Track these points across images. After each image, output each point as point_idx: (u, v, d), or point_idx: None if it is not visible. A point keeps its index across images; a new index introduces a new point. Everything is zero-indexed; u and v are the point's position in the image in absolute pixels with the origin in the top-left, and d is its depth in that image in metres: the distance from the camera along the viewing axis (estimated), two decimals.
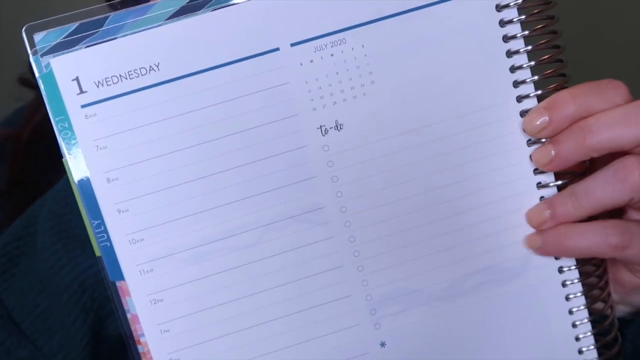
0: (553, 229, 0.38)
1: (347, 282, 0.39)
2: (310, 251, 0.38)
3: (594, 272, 0.40)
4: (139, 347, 0.38)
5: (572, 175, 0.39)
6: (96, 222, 0.37)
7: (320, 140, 0.38)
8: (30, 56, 0.35)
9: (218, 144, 0.37)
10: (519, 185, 0.39)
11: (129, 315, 0.38)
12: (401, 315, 0.39)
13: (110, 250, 0.37)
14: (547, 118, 0.36)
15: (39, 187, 0.39)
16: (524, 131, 0.38)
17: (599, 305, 0.41)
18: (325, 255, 0.38)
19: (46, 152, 0.53)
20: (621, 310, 0.43)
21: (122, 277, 0.37)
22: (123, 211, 0.37)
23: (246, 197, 0.37)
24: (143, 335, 0.38)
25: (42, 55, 0.35)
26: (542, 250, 0.38)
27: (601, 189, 0.37)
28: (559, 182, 0.39)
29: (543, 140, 0.38)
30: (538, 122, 0.37)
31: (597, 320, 0.41)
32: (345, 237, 0.38)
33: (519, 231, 0.39)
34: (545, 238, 0.38)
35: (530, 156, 0.38)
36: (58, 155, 0.52)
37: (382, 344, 0.39)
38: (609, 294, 0.41)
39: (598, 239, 0.37)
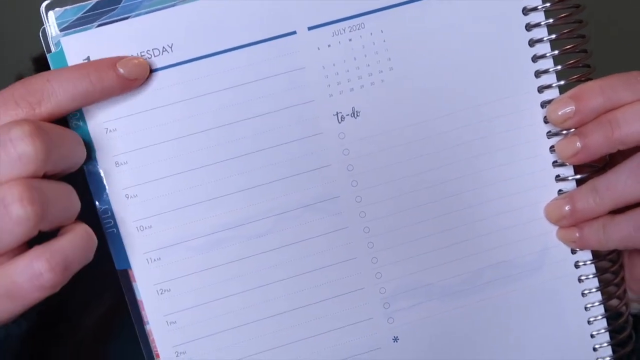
0: (590, 222, 0.37)
1: (360, 275, 0.38)
2: (324, 242, 0.37)
3: (609, 268, 0.40)
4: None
5: (591, 169, 0.38)
6: (103, 207, 0.35)
7: (336, 127, 0.36)
8: (41, 33, 0.34)
9: (231, 128, 0.36)
10: (538, 177, 0.38)
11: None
12: (415, 310, 0.38)
13: (116, 237, 0.36)
14: (573, 108, 0.35)
15: None
16: (546, 121, 0.37)
17: (614, 302, 0.40)
18: (339, 247, 0.37)
19: None
20: (636, 307, 0.42)
21: (128, 265, 0.36)
22: (131, 197, 0.35)
23: (260, 184, 0.36)
24: (148, 323, 0.37)
25: (59, 31, 0.34)
26: (579, 243, 0.37)
27: (623, 183, 0.36)
28: (579, 176, 0.38)
29: (564, 132, 0.37)
30: (563, 112, 0.36)
31: (612, 317, 0.40)
32: (359, 228, 0.37)
33: (536, 225, 0.38)
34: (582, 231, 0.37)
35: (552, 147, 0.38)
36: None
37: (395, 339, 0.38)
38: (624, 291, 0.40)
39: (634, 228, 0.36)
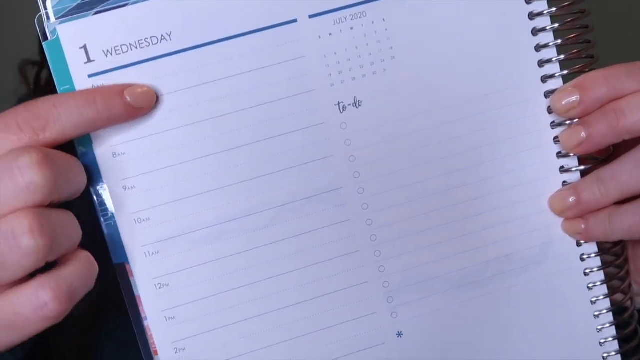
0: (595, 213, 0.36)
1: (363, 268, 0.37)
2: (326, 234, 0.36)
3: (614, 262, 0.39)
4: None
5: (595, 161, 0.38)
6: (99, 199, 0.35)
7: (337, 117, 0.36)
8: (37, 20, 0.33)
9: (231, 118, 0.35)
10: (542, 169, 0.38)
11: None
12: (419, 304, 0.37)
13: (113, 229, 0.35)
14: (577, 97, 0.35)
15: None
16: (550, 111, 0.37)
17: (619, 296, 0.40)
18: (341, 239, 0.36)
19: None
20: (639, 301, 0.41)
21: (125, 259, 0.35)
22: (129, 188, 0.35)
23: (260, 175, 0.35)
24: (146, 319, 0.36)
25: (55, 19, 0.33)
26: (585, 235, 0.37)
27: (629, 173, 0.35)
28: (583, 167, 0.37)
29: (568, 122, 0.37)
30: (567, 101, 0.35)
31: (616, 312, 0.40)
32: (362, 220, 0.37)
33: (540, 217, 0.38)
34: (587, 223, 0.37)
35: (556, 138, 0.37)
36: None
37: (399, 334, 0.38)
38: (629, 285, 0.40)
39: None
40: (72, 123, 0.31)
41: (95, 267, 0.33)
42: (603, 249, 0.39)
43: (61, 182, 0.31)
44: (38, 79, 0.58)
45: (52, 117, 0.31)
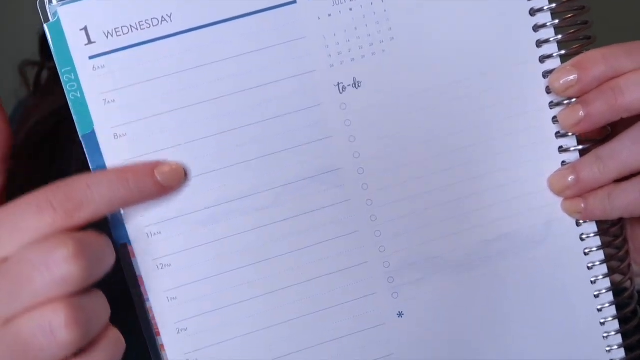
0: (595, 191, 0.37)
1: (363, 248, 0.37)
2: (326, 214, 0.36)
3: (613, 242, 0.39)
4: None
5: (594, 141, 0.38)
6: None
7: (337, 98, 0.36)
8: (39, 3, 0.33)
9: (231, 100, 0.35)
10: (540, 148, 0.38)
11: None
12: (419, 284, 0.38)
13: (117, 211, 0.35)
14: (575, 76, 0.35)
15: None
16: (549, 91, 0.37)
17: (618, 277, 0.40)
18: (342, 219, 0.37)
19: (41, 157, 0.51)
20: (639, 282, 0.41)
21: (127, 240, 0.35)
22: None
23: (261, 156, 0.36)
24: (148, 300, 0.36)
25: (57, 2, 0.33)
26: (584, 214, 0.37)
27: (628, 150, 0.36)
28: (581, 147, 0.38)
29: (566, 102, 0.37)
30: (565, 80, 0.35)
31: (616, 293, 0.40)
32: (362, 201, 0.37)
33: (540, 197, 0.38)
34: (587, 201, 0.37)
35: (554, 118, 0.37)
36: (52, 159, 0.50)
37: (400, 314, 0.38)
38: (629, 265, 0.40)
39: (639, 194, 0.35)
40: (105, 204, 0.32)
41: (123, 344, 0.33)
42: (602, 229, 0.39)
43: (95, 269, 0.31)
44: (38, 80, 0.58)
45: (86, 199, 0.31)
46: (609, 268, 0.39)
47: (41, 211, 0.31)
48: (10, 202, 0.31)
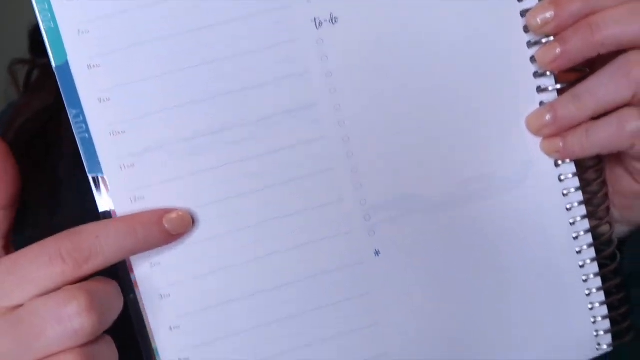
0: (573, 129, 0.36)
1: (339, 185, 0.37)
2: (302, 150, 0.36)
3: (592, 183, 0.39)
4: None
5: (572, 81, 0.38)
6: (74, 111, 0.34)
7: (314, 33, 0.36)
8: None
9: (205, 33, 0.35)
10: (519, 89, 0.38)
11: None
12: (397, 222, 0.37)
13: (88, 142, 0.35)
14: (552, 13, 0.35)
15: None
16: (527, 31, 0.37)
17: (598, 220, 0.40)
18: (318, 156, 0.36)
19: (31, 155, 0.51)
20: (620, 230, 0.41)
21: (100, 172, 0.35)
22: (104, 100, 0.34)
23: (236, 90, 0.35)
24: None
25: None
26: (563, 152, 0.37)
27: (604, 87, 0.36)
28: (559, 86, 0.37)
29: (544, 40, 0.37)
30: (542, 17, 0.35)
31: (596, 237, 0.40)
32: (338, 137, 0.36)
33: (518, 137, 0.38)
34: (565, 140, 0.37)
35: (532, 58, 0.37)
36: (42, 158, 0.50)
37: (377, 253, 0.37)
38: (607, 208, 0.40)
39: (617, 128, 0.35)
40: (114, 253, 0.33)
41: None
42: (581, 170, 0.39)
43: (106, 319, 0.32)
44: (29, 79, 0.57)
45: (95, 249, 0.32)
46: (587, 209, 0.39)
47: (51, 262, 0.31)
48: (20, 250, 0.32)
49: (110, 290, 0.33)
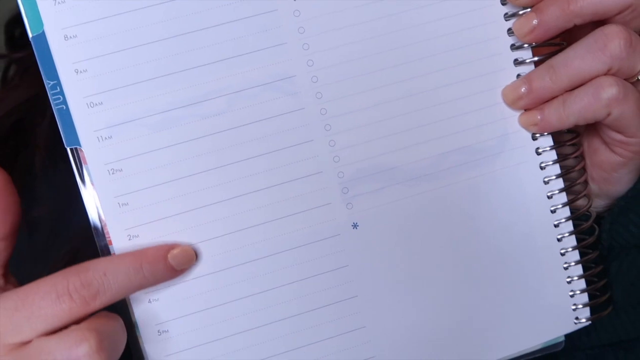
0: (550, 101, 0.37)
1: (317, 158, 0.37)
2: (280, 122, 0.36)
3: (569, 156, 0.39)
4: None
5: (549, 53, 0.38)
6: (52, 82, 0.34)
7: (291, 4, 0.36)
8: None
9: (182, 3, 0.35)
10: (496, 61, 0.38)
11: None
12: (375, 195, 0.37)
13: (66, 113, 0.35)
14: None
15: None
16: (504, 3, 0.37)
17: (577, 194, 0.40)
18: (295, 128, 0.36)
19: (5, 150, 0.51)
20: (598, 204, 0.41)
21: (78, 143, 0.35)
22: (81, 71, 0.34)
23: (214, 61, 0.35)
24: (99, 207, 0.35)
25: None
26: (541, 125, 0.37)
27: (580, 59, 0.36)
28: (536, 58, 0.38)
29: (521, 12, 0.37)
30: None
31: (574, 211, 0.40)
32: (316, 109, 0.37)
33: (496, 110, 0.38)
34: (543, 112, 0.37)
35: (509, 30, 0.37)
36: (17, 153, 0.50)
37: (354, 226, 0.38)
38: (585, 182, 0.40)
39: (593, 96, 0.35)
40: (121, 290, 0.33)
41: None
42: (558, 143, 0.39)
43: (114, 356, 0.33)
44: (6, 74, 0.57)
45: (102, 287, 0.33)
46: (565, 182, 0.39)
47: (59, 299, 0.32)
48: (27, 285, 0.32)
49: (117, 327, 0.34)
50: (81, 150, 0.35)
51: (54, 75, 0.34)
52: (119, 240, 0.36)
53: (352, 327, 0.38)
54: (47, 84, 0.34)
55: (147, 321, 0.36)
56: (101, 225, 0.36)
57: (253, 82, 0.36)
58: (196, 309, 0.36)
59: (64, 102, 0.35)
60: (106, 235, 0.36)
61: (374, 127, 0.37)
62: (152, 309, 0.36)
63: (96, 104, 0.35)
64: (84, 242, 0.46)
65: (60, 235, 0.47)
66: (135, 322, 0.36)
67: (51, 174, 0.48)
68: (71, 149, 0.35)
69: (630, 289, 0.41)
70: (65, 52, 0.34)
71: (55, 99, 0.35)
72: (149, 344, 0.36)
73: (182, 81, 0.35)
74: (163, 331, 0.36)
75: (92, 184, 0.35)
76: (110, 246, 0.36)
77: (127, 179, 0.35)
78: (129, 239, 0.36)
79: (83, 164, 0.35)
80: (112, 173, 0.35)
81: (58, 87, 0.34)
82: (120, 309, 0.36)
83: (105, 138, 0.35)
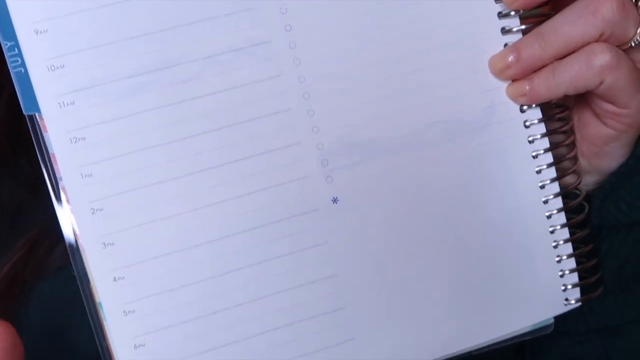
0: (539, 71, 0.35)
1: (295, 128, 0.35)
2: (255, 90, 0.34)
3: (559, 129, 0.38)
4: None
5: (538, 22, 0.36)
6: (9, 43, 0.32)
7: None
8: None
9: None
10: (483, 29, 0.36)
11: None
12: (356, 168, 0.35)
13: (24, 77, 0.32)
14: None
15: None
16: None
17: (566, 164, 0.38)
18: (272, 96, 0.34)
19: None
20: (588, 182, 0.40)
21: (37, 110, 0.32)
22: (41, 32, 0.32)
23: (186, 23, 0.33)
24: (61, 179, 0.33)
25: None
26: (529, 96, 0.35)
27: (571, 24, 0.34)
28: (524, 27, 0.36)
29: None
30: None
31: (563, 188, 0.38)
32: (294, 77, 0.35)
33: (482, 80, 0.36)
34: (532, 82, 0.35)
35: None
36: None
37: (334, 200, 0.35)
38: (575, 156, 0.39)
39: (585, 63, 0.34)
40: None
41: None
42: (547, 116, 0.37)
43: None
44: None
45: None
46: (554, 157, 0.37)
47: None
48: None
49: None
50: (41, 118, 0.33)
51: (11, 35, 0.32)
52: (82, 213, 0.33)
53: (331, 308, 0.36)
54: (4, 44, 0.32)
55: (112, 301, 0.34)
56: (64, 199, 0.33)
57: (225, 47, 0.34)
58: (165, 288, 0.34)
59: (22, 64, 0.32)
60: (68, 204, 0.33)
61: (354, 96, 0.35)
62: (118, 287, 0.34)
63: (57, 67, 0.32)
64: (44, 233, 0.43)
65: (19, 225, 0.45)
66: (100, 303, 0.34)
67: (11, 161, 0.45)
68: (30, 117, 0.33)
69: (619, 271, 0.40)
70: (24, 10, 0.32)
71: (12, 61, 0.32)
72: (114, 324, 0.34)
73: (149, 45, 0.33)
74: (129, 311, 0.34)
75: (54, 156, 0.33)
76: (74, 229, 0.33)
77: (91, 148, 0.33)
78: (93, 213, 0.33)
79: (43, 132, 0.33)
80: (75, 142, 0.33)
81: (16, 49, 0.32)
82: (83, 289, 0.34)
83: (67, 104, 0.33)
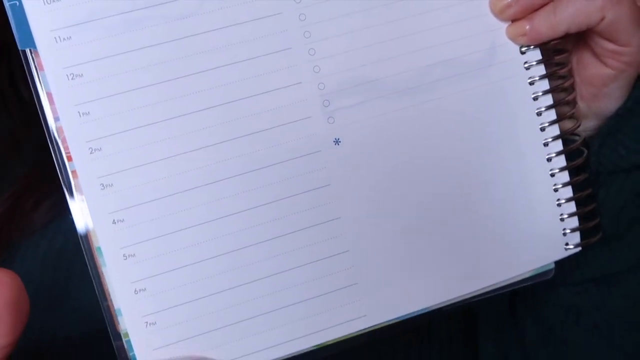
0: (540, 10, 0.35)
1: (296, 67, 0.34)
2: (255, 28, 0.34)
3: (558, 71, 0.38)
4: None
5: None
6: None
7: None
8: None
9: None
10: None
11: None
12: (358, 109, 0.35)
13: (19, 10, 0.31)
14: None
15: None
16: None
17: (565, 109, 0.38)
18: (272, 34, 0.34)
19: None
20: (587, 126, 0.40)
21: (33, 45, 0.32)
22: None
23: None
24: (58, 119, 0.32)
25: None
26: (530, 35, 0.35)
27: None
28: None
29: None
30: None
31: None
32: (294, 15, 0.34)
33: (483, 21, 0.36)
34: (532, 21, 0.35)
35: None
36: None
37: (336, 141, 0.35)
38: (574, 99, 0.39)
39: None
40: None
41: None
42: (547, 58, 0.37)
43: None
44: None
45: None
46: (554, 101, 0.37)
47: None
48: None
49: None
50: (36, 53, 0.32)
51: None
52: (79, 155, 0.32)
53: (335, 251, 0.35)
54: None
55: (111, 245, 0.33)
56: (60, 139, 0.32)
57: None
58: (165, 232, 0.33)
59: None
60: (64, 151, 0.32)
61: (356, 35, 0.35)
62: (117, 230, 0.33)
63: (53, 0, 0.31)
64: (28, 189, 0.42)
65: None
66: (99, 247, 0.33)
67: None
68: (24, 53, 0.32)
69: (617, 217, 0.40)
70: None
71: None
72: (114, 269, 0.33)
73: None
74: (129, 255, 0.33)
75: (51, 95, 0.32)
76: (69, 162, 0.32)
77: (89, 85, 0.32)
78: (91, 152, 0.32)
79: (39, 71, 0.32)
80: (72, 78, 0.32)
81: None
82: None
83: (64, 39, 0.32)
